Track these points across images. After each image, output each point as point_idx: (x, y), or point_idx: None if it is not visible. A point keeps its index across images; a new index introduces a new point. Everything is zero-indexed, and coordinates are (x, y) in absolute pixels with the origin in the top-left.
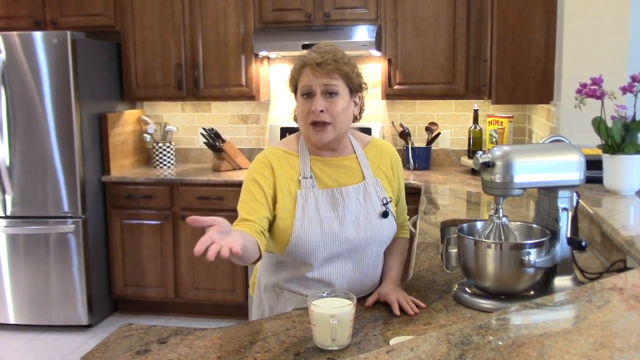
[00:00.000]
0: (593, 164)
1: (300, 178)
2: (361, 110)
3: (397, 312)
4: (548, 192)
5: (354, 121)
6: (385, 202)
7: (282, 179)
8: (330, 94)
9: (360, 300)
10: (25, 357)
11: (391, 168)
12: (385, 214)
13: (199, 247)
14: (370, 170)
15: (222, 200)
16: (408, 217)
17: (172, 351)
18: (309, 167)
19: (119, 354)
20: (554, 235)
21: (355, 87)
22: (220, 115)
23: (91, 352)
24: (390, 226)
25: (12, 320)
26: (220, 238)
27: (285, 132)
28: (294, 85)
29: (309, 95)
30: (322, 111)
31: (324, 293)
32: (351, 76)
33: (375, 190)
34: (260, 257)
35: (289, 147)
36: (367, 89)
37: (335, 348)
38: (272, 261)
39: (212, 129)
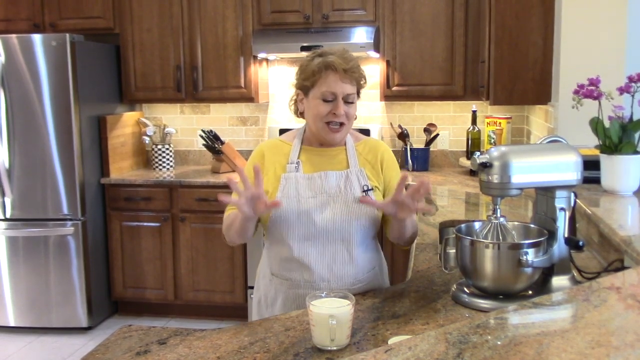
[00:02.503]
0: (591, 164)
1: (287, 164)
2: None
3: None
4: (545, 193)
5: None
6: (365, 189)
7: (270, 164)
8: (348, 100)
9: (367, 298)
10: None
11: (380, 161)
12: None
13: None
14: (356, 160)
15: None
16: None
17: (172, 352)
18: (298, 154)
19: (119, 354)
20: (552, 235)
21: (359, 91)
22: (219, 117)
23: (91, 353)
24: (369, 213)
25: (12, 323)
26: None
27: (283, 133)
28: (310, 85)
29: (330, 99)
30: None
31: (322, 293)
32: (363, 83)
33: (357, 178)
34: (252, 234)
35: (287, 138)
36: (359, 95)
37: (334, 348)
38: (266, 246)
39: (211, 130)
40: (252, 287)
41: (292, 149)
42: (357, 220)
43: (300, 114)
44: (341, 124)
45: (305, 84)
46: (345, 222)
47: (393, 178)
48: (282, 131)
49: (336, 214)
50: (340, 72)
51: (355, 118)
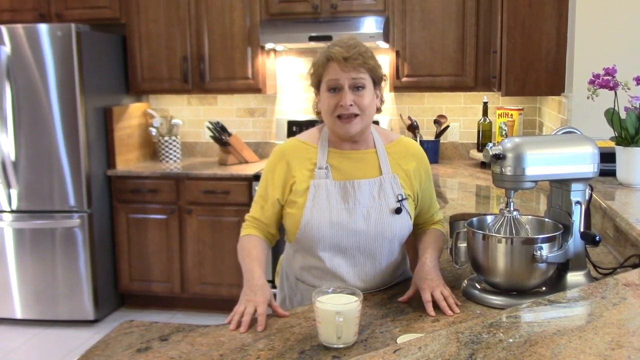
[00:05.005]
0: (606, 157)
1: (315, 169)
2: (382, 102)
3: (431, 313)
4: (560, 185)
5: (376, 113)
6: (400, 198)
7: (297, 169)
8: (357, 87)
9: (376, 294)
10: (31, 352)
11: (415, 169)
12: (398, 210)
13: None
14: (389, 166)
15: (228, 194)
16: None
17: (174, 349)
18: (326, 158)
19: (119, 351)
20: (567, 230)
21: (378, 80)
22: (227, 109)
23: (91, 349)
24: (404, 223)
25: (18, 315)
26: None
27: (292, 125)
28: (317, 80)
29: (335, 89)
30: (350, 105)
31: (329, 289)
32: (376, 69)
33: (391, 186)
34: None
35: (310, 139)
36: (386, 80)
37: (341, 346)
38: (291, 250)
39: (218, 122)
40: None
41: (319, 152)
42: (391, 232)
43: (318, 114)
44: (355, 115)
45: (314, 80)
46: (380, 234)
47: (426, 188)
48: (290, 123)
49: (370, 226)
50: (340, 61)
51: (379, 110)
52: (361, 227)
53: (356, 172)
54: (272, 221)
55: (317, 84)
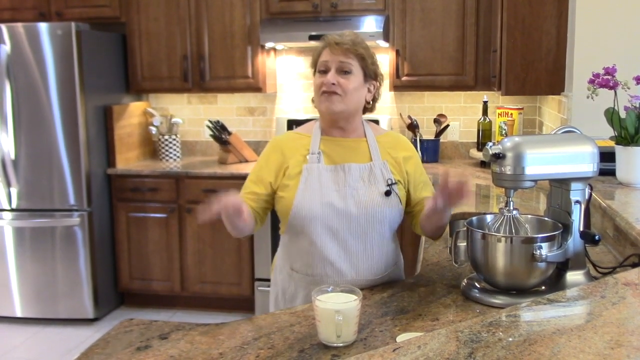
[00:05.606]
0: (606, 156)
1: (308, 154)
2: (374, 100)
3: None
4: (560, 185)
5: (369, 111)
6: (390, 182)
7: (291, 156)
8: (344, 72)
9: (375, 293)
10: (31, 351)
11: (404, 157)
12: (388, 193)
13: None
14: (378, 153)
15: None
16: None
17: (174, 347)
18: (318, 144)
19: (119, 349)
20: (566, 229)
21: (370, 74)
22: (227, 108)
23: (91, 348)
24: (394, 206)
25: (18, 314)
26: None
27: (292, 124)
28: (314, 66)
29: (324, 71)
30: (334, 84)
31: (328, 287)
32: (366, 59)
33: (381, 171)
34: (252, 230)
35: (304, 130)
36: (382, 79)
37: (341, 344)
38: (284, 241)
39: (218, 121)
40: (259, 279)
41: (312, 139)
42: (382, 215)
43: (313, 101)
44: (335, 94)
45: (313, 68)
46: (370, 216)
47: (417, 176)
48: (290, 122)
49: (361, 208)
50: (332, 45)
51: (372, 109)
52: (352, 209)
53: (347, 158)
54: (261, 204)
55: (314, 72)
